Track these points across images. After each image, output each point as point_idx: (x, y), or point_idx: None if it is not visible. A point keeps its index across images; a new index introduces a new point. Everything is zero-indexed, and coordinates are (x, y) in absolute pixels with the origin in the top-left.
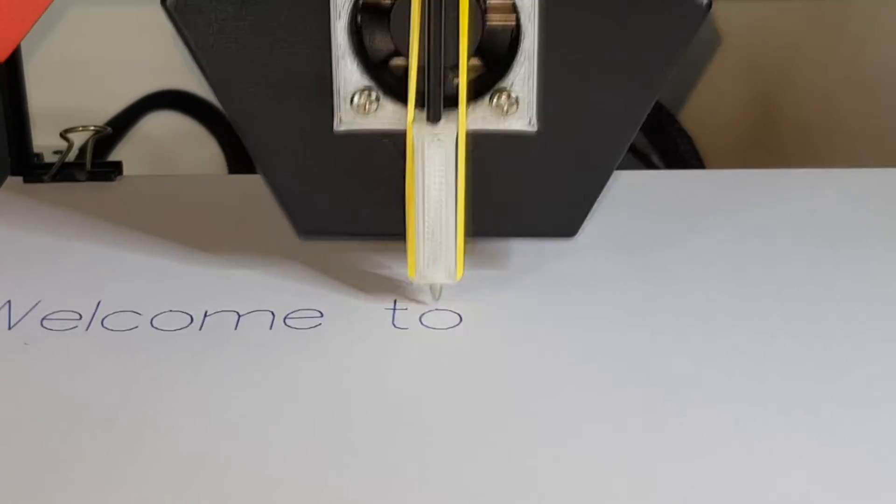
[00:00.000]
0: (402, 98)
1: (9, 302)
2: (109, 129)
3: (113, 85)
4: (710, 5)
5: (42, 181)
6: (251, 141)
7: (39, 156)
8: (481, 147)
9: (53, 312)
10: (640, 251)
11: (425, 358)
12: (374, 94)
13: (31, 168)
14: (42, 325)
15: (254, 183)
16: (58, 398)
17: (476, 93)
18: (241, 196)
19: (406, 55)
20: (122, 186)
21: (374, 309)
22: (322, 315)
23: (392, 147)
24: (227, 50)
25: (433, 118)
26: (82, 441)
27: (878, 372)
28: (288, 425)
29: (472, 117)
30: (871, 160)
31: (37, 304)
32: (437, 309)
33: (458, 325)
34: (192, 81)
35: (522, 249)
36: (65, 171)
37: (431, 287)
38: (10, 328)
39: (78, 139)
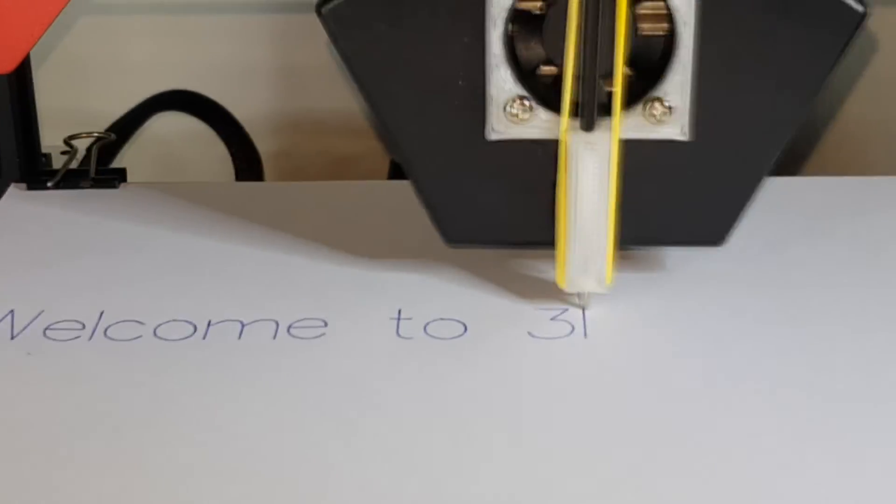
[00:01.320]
0: (553, 106)
1: (11, 311)
2: (113, 135)
3: (121, 87)
4: (866, 13)
5: (46, 188)
6: (403, 148)
7: (48, 156)
8: (632, 155)
9: (56, 322)
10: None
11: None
12: (527, 103)
13: (36, 174)
14: (45, 334)
15: (256, 190)
16: (61, 408)
17: (628, 101)
18: (244, 203)
19: (558, 63)
20: (126, 194)
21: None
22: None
23: (543, 155)
24: (381, 59)
25: (588, 126)
26: (87, 450)
27: None
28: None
29: (626, 125)
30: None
31: (40, 313)
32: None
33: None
34: (199, 83)
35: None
36: (69, 178)
37: (580, 295)
38: (12, 338)
39: (82, 144)
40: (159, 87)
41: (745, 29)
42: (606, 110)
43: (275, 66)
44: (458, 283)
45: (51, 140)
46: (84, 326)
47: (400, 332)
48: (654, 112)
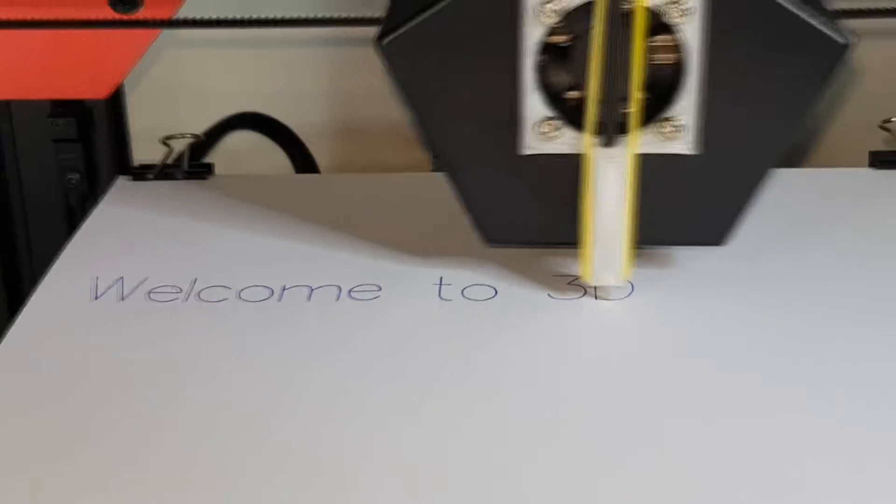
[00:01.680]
0: (578, 126)
1: (121, 278)
2: (203, 136)
3: (201, 110)
4: (849, 44)
5: (147, 180)
6: (447, 162)
7: (139, 165)
8: (645, 166)
9: (158, 287)
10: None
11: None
12: (556, 123)
13: (135, 171)
14: (149, 297)
15: (320, 182)
16: (162, 356)
17: (642, 121)
18: (311, 193)
19: (582, 89)
20: (214, 184)
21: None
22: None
23: (569, 168)
24: (430, 85)
25: (608, 143)
26: (182, 392)
27: None
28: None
29: (641, 142)
30: None
31: (144, 279)
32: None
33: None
34: (266, 105)
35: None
36: (165, 171)
37: (602, 287)
38: (122, 300)
39: (176, 145)
40: (233, 109)
41: (744, 59)
42: (624, 129)
43: (331, 89)
44: (490, 256)
45: (140, 155)
46: (181, 290)
47: (441, 295)
48: (666, 130)
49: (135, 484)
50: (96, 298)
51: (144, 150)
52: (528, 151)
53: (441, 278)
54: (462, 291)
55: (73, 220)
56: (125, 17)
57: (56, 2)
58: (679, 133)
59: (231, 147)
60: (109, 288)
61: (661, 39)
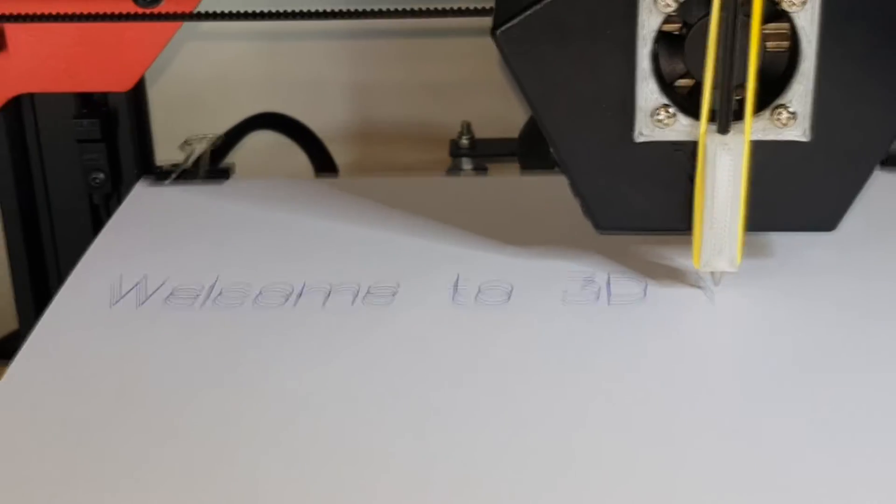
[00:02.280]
0: (690, 113)
1: (142, 279)
2: (223, 137)
3: (222, 102)
4: None
5: (166, 184)
6: (562, 150)
7: (161, 168)
8: (759, 153)
9: (179, 287)
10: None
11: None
12: (671, 110)
13: (157, 173)
14: (169, 299)
15: (337, 184)
16: (182, 356)
17: (756, 108)
18: (328, 194)
19: (695, 77)
20: (233, 186)
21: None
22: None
23: (682, 155)
24: (545, 74)
25: (724, 130)
26: (201, 387)
27: None
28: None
29: (755, 129)
30: None
31: (164, 282)
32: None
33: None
34: (286, 98)
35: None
36: (186, 174)
37: (713, 274)
38: (143, 302)
39: (197, 148)
40: (254, 101)
41: (858, 45)
42: (737, 116)
43: (349, 86)
44: (505, 256)
45: (163, 151)
46: (200, 292)
47: (458, 297)
48: (781, 117)
49: (150, 487)
50: (118, 301)
51: (166, 146)
52: (641, 139)
53: (458, 279)
54: (479, 288)
55: (97, 219)
56: (147, 10)
57: None
58: (793, 120)
59: (252, 146)
60: (130, 290)
61: (773, 27)
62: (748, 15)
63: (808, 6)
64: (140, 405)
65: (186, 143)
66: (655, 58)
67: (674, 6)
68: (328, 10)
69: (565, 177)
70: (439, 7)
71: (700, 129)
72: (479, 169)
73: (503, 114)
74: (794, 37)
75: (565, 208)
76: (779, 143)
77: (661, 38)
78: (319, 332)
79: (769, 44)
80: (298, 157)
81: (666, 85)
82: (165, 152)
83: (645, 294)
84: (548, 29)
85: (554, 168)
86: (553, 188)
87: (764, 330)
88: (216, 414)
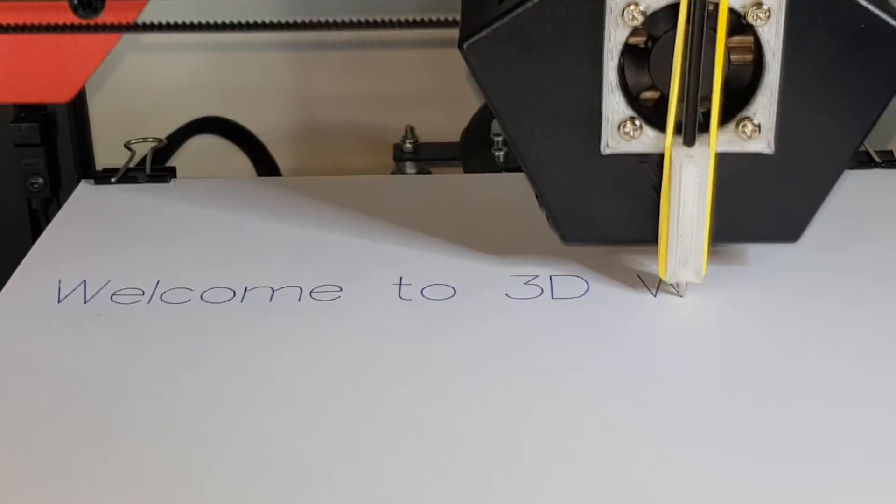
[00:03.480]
0: (656, 126)
1: (84, 281)
2: (165, 140)
3: (162, 112)
4: None
5: (110, 183)
6: (529, 161)
7: (106, 169)
8: (723, 164)
9: (121, 289)
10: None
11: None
12: (637, 123)
13: (97, 176)
14: (112, 299)
15: (279, 184)
16: (124, 358)
17: (721, 120)
18: (270, 195)
19: (661, 90)
20: (176, 187)
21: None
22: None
23: (648, 167)
24: (512, 86)
25: (690, 142)
26: (144, 392)
27: None
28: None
29: (720, 141)
30: None
31: (108, 282)
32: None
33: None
34: (228, 108)
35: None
36: (128, 175)
37: (678, 284)
38: (85, 302)
39: (139, 152)
40: (194, 111)
41: (822, 58)
42: (703, 128)
43: (292, 93)
44: (449, 255)
45: (103, 158)
46: (144, 293)
47: (402, 295)
48: (745, 129)
49: (98, 486)
50: (59, 302)
51: (107, 154)
52: (608, 151)
53: (401, 278)
54: (422, 291)
55: (36, 224)
56: (87, 21)
57: (18, 7)
58: (757, 132)
59: (194, 151)
60: (72, 291)
61: (737, 40)
62: (714, 28)
63: (772, 20)
64: (85, 406)
65: (128, 144)
66: (621, 70)
67: (640, 19)
68: (269, 21)
69: (532, 188)
70: (382, 19)
71: (666, 142)
72: (423, 173)
73: (446, 121)
74: (758, 50)
75: (510, 208)
76: (743, 155)
77: (627, 50)
78: (266, 331)
79: (733, 56)
80: (241, 162)
81: (632, 97)
82: (107, 161)
83: (587, 292)
84: (514, 41)
85: (496, 170)
86: (497, 187)
87: (710, 329)
88: (164, 415)
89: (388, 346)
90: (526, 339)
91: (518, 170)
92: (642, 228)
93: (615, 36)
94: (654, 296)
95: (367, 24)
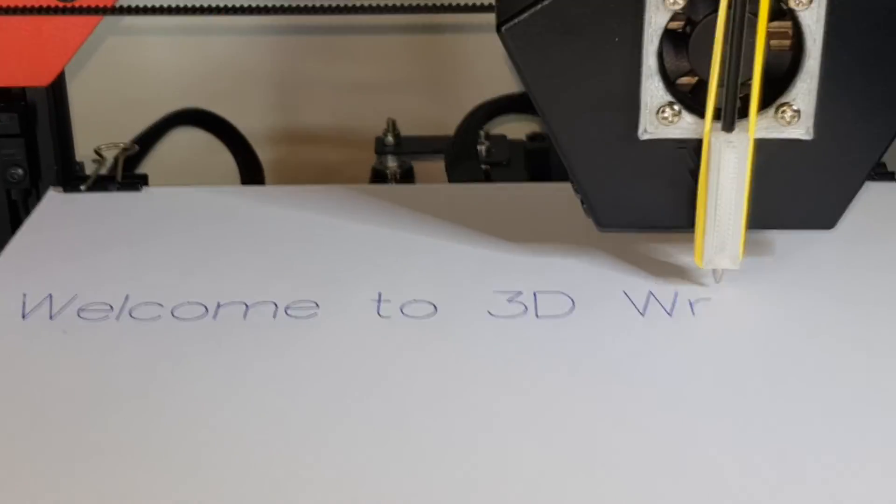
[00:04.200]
0: (694, 111)
1: (50, 295)
2: (136, 146)
3: (144, 98)
4: None
5: (80, 191)
6: (564, 147)
7: (81, 164)
8: (760, 150)
9: (89, 304)
10: None
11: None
12: (676, 108)
13: (71, 178)
14: (78, 315)
15: (258, 193)
16: (92, 377)
17: (760, 105)
18: (248, 204)
19: (700, 74)
20: (147, 196)
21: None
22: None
23: (686, 152)
24: (550, 70)
25: (729, 128)
26: (113, 413)
27: None
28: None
29: (759, 127)
30: None
31: (74, 297)
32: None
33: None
34: (210, 94)
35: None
36: (99, 183)
37: (714, 271)
38: (51, 318)
39: (110, 153)
40: (176, 96)
41: (862, 44)
42: (741, 114)
43: (275, 83)
44: (430, 270)
45: (83, 147)
46: (112, 308)
47: (380, 313)
48: (785, 115)
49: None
50: (24, 318)
51: (86, 143)
52: (646, 137)
53: (380, 294)
54: (401, 308)
55: (16, 214)
56: (66, 3)
57: None
58: (797, 118)
59: (174, 143)
60: (38, 306)
61: (776, 25)
62: (754, 13)
63: (814, 5)
64: (50, 424)
65: (97, 152)
66: (660, 55)
67: (682, 4)
68: (252, 5)
69: (568, 174)
70: (366, 3)
71: (705, 127)
72: (405, 167)
73: (429, 112)
74: (798, 35)
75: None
76: (781, 141)
77: (665, 35)
78: (239, 351)
79: (773, 42)
80: (222, 155)
81: (670, 82)
82: (87, 149)
83: (573, 310)
84: (554, 25)
85: (481, 177)
86: (483, 198)
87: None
88: (131, 434)
89: (364, 367)
90: (508, 357)
91: (501, 168)
92: (678, 214)
93: (655, 20)
94: (643, 314)
95: (353, 9)
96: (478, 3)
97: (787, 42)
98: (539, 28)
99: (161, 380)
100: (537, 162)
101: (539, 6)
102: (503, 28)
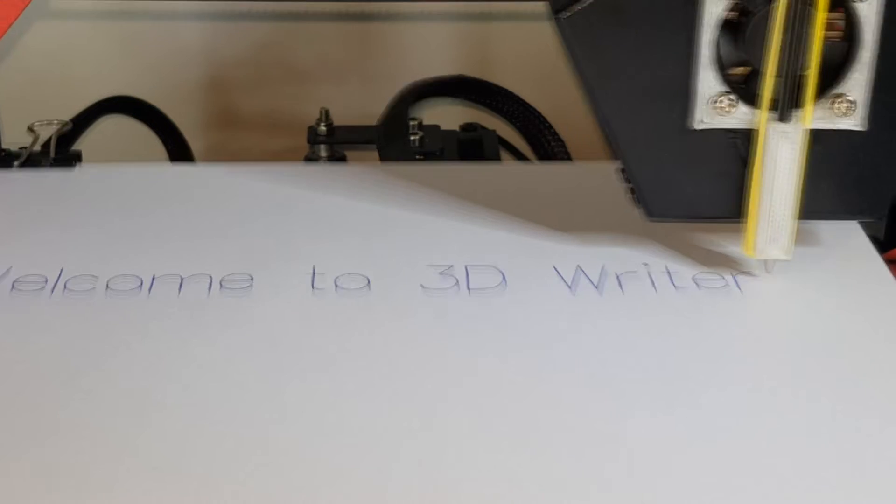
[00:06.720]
0: (748, 100)
1: None
2: (71, 123)
3: (72, 84)
4: None
5: (12, 167)
6: (617, 136)
7: (8, 151)
8: (814, 141)
9: (23, 276)
10: None
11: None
12: (731, 98)
13: (3, 156)
14: (13, 288)
15: (185, 172)
16: (29, 349)
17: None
18: (176, 182)
19: (754, 65)
20: (81, 173)
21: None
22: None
23: (738, 142)
24: (606, 60)
25: (784, 118)
26: (48, 388)
27: None
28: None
29: (813, 117)
30: None
31: (8, 269)
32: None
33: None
34: (139, 81)
35: None
36: (32, 160)
37: (766, 262)
38: None
39: (43, 134)
40: (105, 83)
41: None
42: (796, 104)
43: (206, 70)
44: (363, 245)
45: (9, 133)
46: (47, 281)
47: (314, 285)
48: (840, 106)
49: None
50: None
51: (14, 129)
52: (700, 126)
53: (314, 267)
54: (335, 281)
55: None
56: None
57: None
58: (851, 109)
59: (102, 131)
60: None
61: (829, 16)
62: (811, 4)
63: None
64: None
65: (31, 128)
66: (716, 45)
67: None
68: None
69: (620, 163)
70: None
71: (760, 117)
72: (337, 156)
73: (362, 101)
74: (851, 26)
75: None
76: (834, 131)
77: (722, 24)
78: (174, 323)
79: (827, 33)
80: (151, 143)
81: (724, 72)
82: (13, 135)
83: (503, 283)
84: (610, 15)
85: (413, 159)
86: (412, 176)
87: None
88: (67, 408)
89: (299, 339)
90: (442, 330)
91: (434, 158)
92: (728, 204)
93: (711, 10)
94: (571, 289)
95: None
96: None
97: (838, 33)
98: (596, 17)
99: (94, 354)
100: (470, 152)
101: None
102: (560, 17)
